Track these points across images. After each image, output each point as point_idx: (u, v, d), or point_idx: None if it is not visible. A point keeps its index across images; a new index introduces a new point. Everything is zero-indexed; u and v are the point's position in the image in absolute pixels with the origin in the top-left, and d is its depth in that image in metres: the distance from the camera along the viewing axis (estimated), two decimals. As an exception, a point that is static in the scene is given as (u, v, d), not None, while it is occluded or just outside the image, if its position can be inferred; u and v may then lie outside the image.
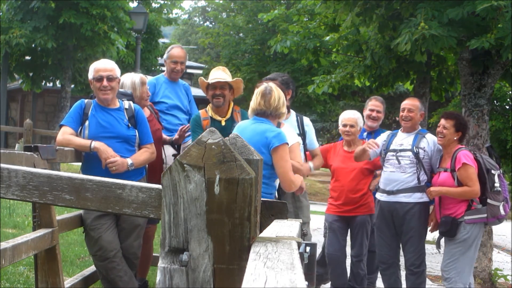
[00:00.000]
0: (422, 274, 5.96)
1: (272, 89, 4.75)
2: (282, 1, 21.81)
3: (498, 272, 8.32)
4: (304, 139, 5.56)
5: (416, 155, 5.82)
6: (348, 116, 6.39)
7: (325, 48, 11.57)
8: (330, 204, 6.44)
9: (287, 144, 4.57)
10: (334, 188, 6.43)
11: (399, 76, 10.44)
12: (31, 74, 19.54)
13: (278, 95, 4.74)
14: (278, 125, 5.22)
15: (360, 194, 6.22)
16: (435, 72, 10.94)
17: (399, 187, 5.86)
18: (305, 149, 5.63)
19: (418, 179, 5.80)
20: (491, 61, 8.11)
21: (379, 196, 6.02)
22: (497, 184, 5.60)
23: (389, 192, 5.90)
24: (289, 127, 5.28)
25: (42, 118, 25.90)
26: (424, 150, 5.84)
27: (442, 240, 5.90)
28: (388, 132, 6.25)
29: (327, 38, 11.43)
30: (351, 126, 6.31)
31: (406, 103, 6.06)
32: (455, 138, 5.68)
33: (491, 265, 8.24)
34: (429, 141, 5.90)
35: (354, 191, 6.26)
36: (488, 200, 5.58)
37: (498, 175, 5.65)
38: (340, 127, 6.41)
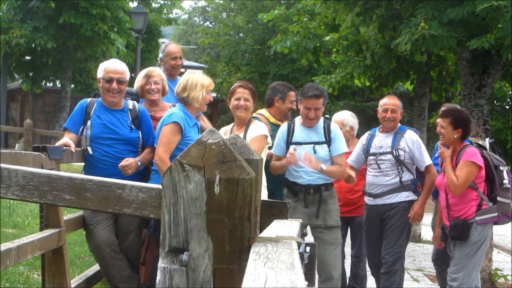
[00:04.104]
0: (395, 274, 5.67)
1: (181, 77, 4.92)
2: (282, 1, 21.79)
3: (498, 272, 8.31)
4: (329, 145, 5.40)
5: (397, 157, 5.66)
6: (335, 118, 6.39)
7: (325, 48, 11.58)
8: None
9: (177, 123, 4.71)
10: None
11: (399, 76, 10.45)
12: (31, 74, 19.55)
13: (180, 82, 4.87)
14: (249, 121, 5.26)
15: (358, 195, 6.21)
16: (435, 72, 10.95)
17: (383, 189, 5.73)
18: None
19: (401, 181, 5.67)
20: (491, 61, 8.11)
21: (367, 199, 5.90)
22: (506, 181, 5.29)
23: (376, 196, 5.76)
24: (258, 122, 5.33)
25: (42, 118, 25.90)
26: (404, 151, 5.68)
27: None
28: (366, 134, 6.04)
29: (327, 38, 11.44)
30: None
31: (389, 103, 5.81)
32: (455, 136, 5.30)
33: (491, 265, 8.23)
34: (407, 139, 5.70)
35: (353, 192, 6.25)
36: (498, 198, 5.26)
37: (507, 171, 5.36)
38: None
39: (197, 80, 4.86)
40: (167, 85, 5.73)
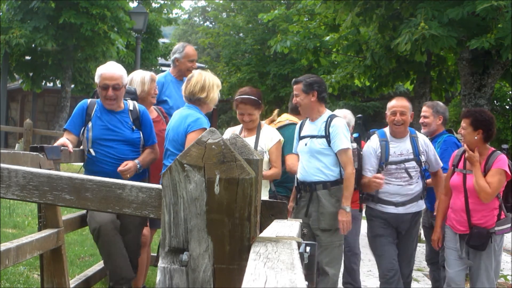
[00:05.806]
0: (409, 284, 5.64)
1: (193, 75, 4.83)
2: (282, 1, 21.80)
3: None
4: (328, 141, 5.11)
5: (420, 163, 5.39)
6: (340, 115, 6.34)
7: (325, 48, 11.59)
8: None
9: (205, 129, 4.63)
10: None
11: (399, 76, 10.46)
12: (31, 74, 19.55)
13: (197, 81, 4.76)
14: (259, 125, 5.21)
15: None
16: (435, 72, 10.96)
17: (407, 198, 5.42)
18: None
19: (423, 185, 5.47)
20: (491, 61, 8.12)
21: (382, 207, 5.46)
22: None
23: (398, 204, 5.41)
24: (269, 127, 5.28)
25: (42, 118, 25.89)
26: (424, 155, 5.43)
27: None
28: (376, 139, 5.51)
29: (327, 38, 11.46)
30: None
31: (397, 105, 5.40)
32: (475, 138, 5.01)
33: (491, 265, 8.22)
34: (421, 142, 5.45)
35: None
36: None
37: None
38: None
39: (213, 81, 4.82)
40: (178, 86, 5.71)
